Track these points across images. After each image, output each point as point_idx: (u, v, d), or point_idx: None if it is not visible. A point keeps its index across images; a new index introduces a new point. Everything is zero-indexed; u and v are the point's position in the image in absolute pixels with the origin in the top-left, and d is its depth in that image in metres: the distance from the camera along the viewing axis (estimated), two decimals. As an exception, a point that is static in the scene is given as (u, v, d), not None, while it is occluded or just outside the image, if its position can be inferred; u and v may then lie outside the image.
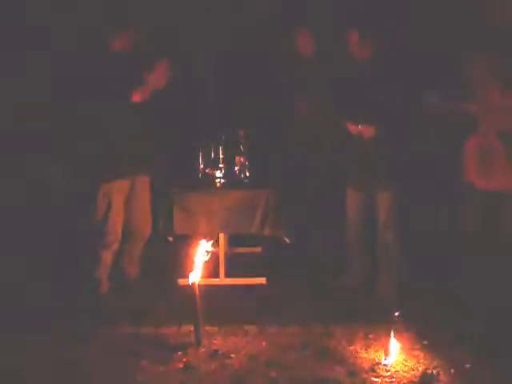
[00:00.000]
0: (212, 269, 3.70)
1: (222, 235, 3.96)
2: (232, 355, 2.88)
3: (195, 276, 3.01)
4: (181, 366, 2.78)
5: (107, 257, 3.59)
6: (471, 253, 3.29)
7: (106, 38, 3.44)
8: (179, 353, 2.90)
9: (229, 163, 4.07)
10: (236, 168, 4.07)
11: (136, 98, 3.43)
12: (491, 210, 3.23)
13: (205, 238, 3.29)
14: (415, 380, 2.66)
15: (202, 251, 3.13)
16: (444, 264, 3.60)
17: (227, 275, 3.91)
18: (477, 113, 3.19)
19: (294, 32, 4.16)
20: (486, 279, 3.22)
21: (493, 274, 3.20)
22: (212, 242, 3.29)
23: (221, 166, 4.05)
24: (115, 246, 3.61)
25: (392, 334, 2.79)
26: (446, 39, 3.73)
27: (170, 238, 3.91)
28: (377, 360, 2.81)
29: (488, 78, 3.14)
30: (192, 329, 3.04)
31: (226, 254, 4.01)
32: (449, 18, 3.87)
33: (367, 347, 2.96)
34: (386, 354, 2.78)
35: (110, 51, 3.45)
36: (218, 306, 3.41)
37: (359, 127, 3.41)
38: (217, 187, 3.97)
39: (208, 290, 3.23)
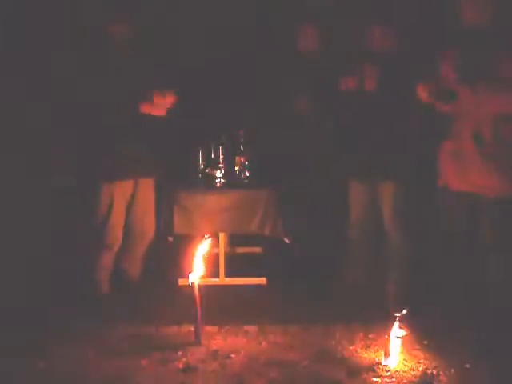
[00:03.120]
0: (212, 269, 3.70)
1: (221, 235, 3.96)
2: (232, 355, 2.88)
3: (195, 276, 3.01)
4: (181, 366, 2.78)
5: (107, 258, 3.59)
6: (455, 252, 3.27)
7: (105, 24, 3.46)
8: (179, 353, 2.90)
9: (229, 163, 4.07)
10: (236, 168, 4.07)
11: (145, 110, 3.47)
12: (466, 212, 3.20)
13: (203, 236, 3.29)
14: (415, 380, 2.66)
15: (201, 250, 3.13)
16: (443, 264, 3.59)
17: (227, 275, 3.91)
18: (451, 114, 3.16)
19: (297, 29, 4.02)
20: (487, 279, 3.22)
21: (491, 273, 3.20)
22: (210, 238, 3.29)
23: (221, 166, 4.05)
24: (115, 247, 3.60)
25: (392, 333, 2.79)
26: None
27: (170, 238, 3.91)
28: (377, 360, 2.81)
29: (459, 78, 3.11)
30: (192, 329, 3.04)
31: (225, 254, 4.01)
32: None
33: (367, 347, 2.96)
34: (386, 354, 2.78)
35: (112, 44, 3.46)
36: (218, 305, 3.41)
37: None
38: (217, 187, 3.97)
39: (208, 290, 3.22)
